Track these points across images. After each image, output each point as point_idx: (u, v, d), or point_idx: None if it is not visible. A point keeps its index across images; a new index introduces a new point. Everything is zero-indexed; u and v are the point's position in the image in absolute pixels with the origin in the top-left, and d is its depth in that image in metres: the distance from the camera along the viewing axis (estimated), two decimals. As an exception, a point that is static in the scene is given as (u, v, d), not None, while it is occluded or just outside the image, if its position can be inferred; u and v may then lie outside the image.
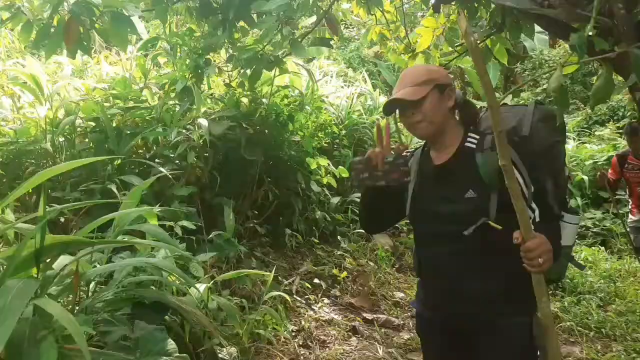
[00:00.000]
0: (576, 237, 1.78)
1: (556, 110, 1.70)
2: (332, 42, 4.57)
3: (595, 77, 5.57)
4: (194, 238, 3.38)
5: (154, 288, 2.55)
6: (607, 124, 7.44)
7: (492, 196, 1.54)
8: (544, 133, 1.64)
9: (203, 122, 3.82)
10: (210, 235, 3.47)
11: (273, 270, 3.37)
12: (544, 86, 9.26)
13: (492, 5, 3.47)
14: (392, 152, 1.59)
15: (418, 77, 1.62)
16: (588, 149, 6.75)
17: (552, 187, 1.60)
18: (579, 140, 7.30)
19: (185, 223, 3.14)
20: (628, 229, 4.43)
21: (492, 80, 9.67)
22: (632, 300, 4.15)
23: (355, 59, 10.55)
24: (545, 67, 9.36)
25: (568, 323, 3.84)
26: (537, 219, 1.57)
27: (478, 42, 4.59)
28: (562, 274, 1.76)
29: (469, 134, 1.67)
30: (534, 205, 1.58)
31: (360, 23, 8.44)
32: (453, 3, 3.98)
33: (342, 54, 10.25)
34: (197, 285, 2.76)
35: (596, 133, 7.30)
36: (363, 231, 5.04)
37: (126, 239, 2.54)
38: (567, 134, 7.83)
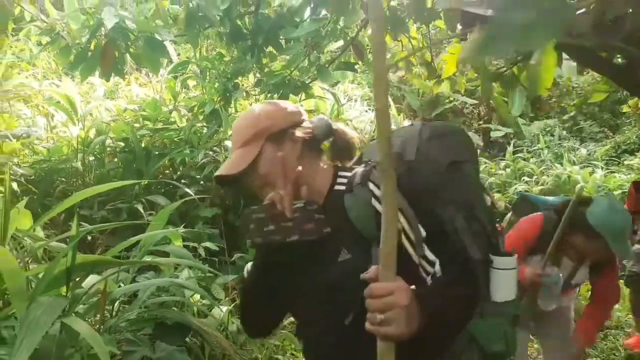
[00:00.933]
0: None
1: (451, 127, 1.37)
2: (356, 67, 4.64)
3: (624, 106, 5.43)
4: (216, 259, 3.42)
5: (175, 309, 2.58)
6: (636, 153, 7.29)
7: (374, 251, 1.09)
8: (436, 154, 1.22)
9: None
10: (233, 257, 3.50)
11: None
12: (571, 113, 9.17)
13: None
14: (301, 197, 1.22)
15: (245, 133, 1.25)
16: (617, 179, 6.59)
17: (462, 224, 1.14)
18: (608, 169, 7.17)
19: (208, 244, 3.17)
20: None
21: (518, 107, 9.58)
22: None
23: (380, 83, 10.62)
24: (574, 94, 9.27)
25: (595, 359, 3.73)
26: (439, 274, 1.11)
27: (503, 68, 4.61)
28: (508, 346, 1.18)
29: (339, 174, 1.30)
30: (430, 256, 1.13)
31: (388, 48, 8.55)
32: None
33: (366, 78, 10.33)
34: (220, 307, 2.79)
35: (625, 162, 7.16)
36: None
37: (151, 259, 2.59)
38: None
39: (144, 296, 2.24)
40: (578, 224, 2.20)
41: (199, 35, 3.74)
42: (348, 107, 6.58)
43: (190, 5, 3.65)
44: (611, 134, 8.58)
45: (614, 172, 7.07)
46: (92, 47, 3.15)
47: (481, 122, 10.50)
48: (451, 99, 9.70)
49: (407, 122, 7.27)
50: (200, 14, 3.65)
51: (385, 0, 4.02)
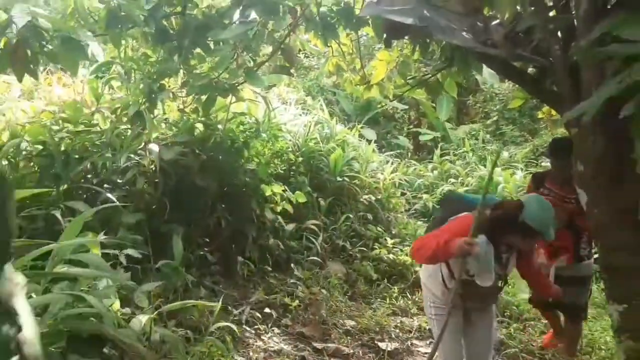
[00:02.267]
0: None
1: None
2: (292, 71, 4.66)
3: (539, 112, 5.75)
4: (139, 267, 3.31)
5: (94, 320, 2.47)
6: (553, 156, 7.78)
7: None
8: None
9: (154, 147, 3.78)
10: (158, 264, 3.40)
11: (221, 300, 3.32)
12: (494, 118, 9.64)
13: (444, 41, 3.61)
14: None
15: None
16: (535, 180, 6.99)
17: None
18: (527, 170, 7.61)
19: (130, 251, 3.07)
20: None
21: (445, 112, 9.91)
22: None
23: (314, 87, 10.69)
24: (496, 100, 9.76)
25: (513, 349, 3.94)
26: None
27: (429, 75, 4.77)
28: None
29: None
30: None
31: (320, 53, 8.61)
32: (406, 38, 4.13)
33: (301, 82, 10.38)
34: (140, 316, 2.70)
35: (542, 164, 7.63)
36: (317, 258, 5.05)
37: (66, 269, 2.48)
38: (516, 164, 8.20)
39: (54, 309, 2.12)
40: (518, 228, 2.43)
41: (121, 35, 3.62)
42: (282, 110, 6.58)
43: (112, 4, 3.53)
44: (530, 137, 9.11)
45: (532, 173, 7.50)
46: (1, 45, 2.97)
47: (411, 127, 10.80)
48: (383, 104, 9.94)
49: (340, 127, 7.37)
50: (122, 13, 3.53)
51: (315, 7, 4.07)
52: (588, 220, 2.22)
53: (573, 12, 2.21)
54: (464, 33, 2.50)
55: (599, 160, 2.04)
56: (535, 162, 8.22)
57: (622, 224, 1.99)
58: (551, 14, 2.46)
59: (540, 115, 5.11)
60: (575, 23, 2.10)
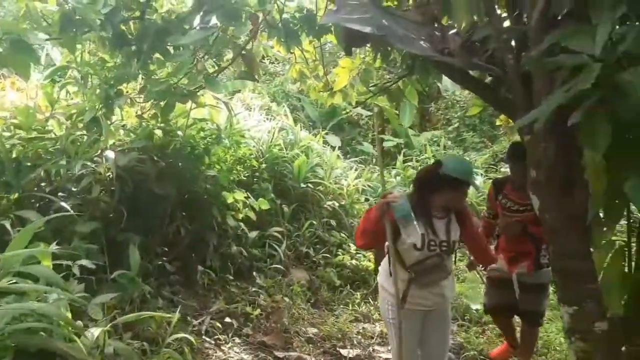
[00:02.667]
0: None
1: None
2: (256, 76, 4.62)
3: (498, 119, 5.87)
4: (94, 278, 3.20)
5: (43, 334, 2.37)
6: (510, 162, 8.00)
7: None
8: None
9: (110, 154, 3.68)
10: (113, 275, 3.30)
11: (178, 310, 3.25)
12: (455, 125, 9.83)
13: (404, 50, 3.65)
14: None
15: None
16: (495, 185, 7.16)
17: None
18: (487, 176, 7.79)
19: (84, 262, 2.96)
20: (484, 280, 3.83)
21: (408, 119, 10.04)
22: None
23: (279, 93, 10.67)
24: (457, 107, 9.96)
25: (472, 352, 4.00)
26: None
27: (391, 83, 4.82)
28: None
29: None
30: None
31: (285, 59, 8.60)
32: (368, 46, 4.17)
33: (266, 88, 10.34)
34: (93, 329, 2.61)
35: (502, 169, 7.82)
36: (280, 266, 5.01)
37: (14, 282, 2.38)
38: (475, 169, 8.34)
39: (1, 323, 2.03)
40: (441, 182, 2.57)
41: (76, 39, 3.52)
42: (247, 115, 6.53)
43: (66, 7, 3.43)
44: (490, 144, 9.33)
45: (492, 178, 7.68)
46: (-55, 47, 2.84)
47: (375, 133, 10.92)
48: (347, 110, 10.00)
49: (304, 133, 7.36)
50: (77, 17, 3.44)
51: (278, 13, 4.07)
52: (542, 225, 2.27)
53: (526, 23, 2.27)
54: (421, 42, 2.53)
55: (550, 166, 2.09)
56: (494, 167, 8.43)
57: (572, 229, 2.04)
58: (506, 24, 2.52)
59: (498, 123, 5.23)
60: (528, 34, 2.16)
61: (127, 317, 2.85)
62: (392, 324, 2.73)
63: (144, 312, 3.03)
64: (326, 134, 8.54)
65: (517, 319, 3.72)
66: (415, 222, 2.52)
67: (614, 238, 2.28)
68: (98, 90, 3.85)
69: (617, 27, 1.66)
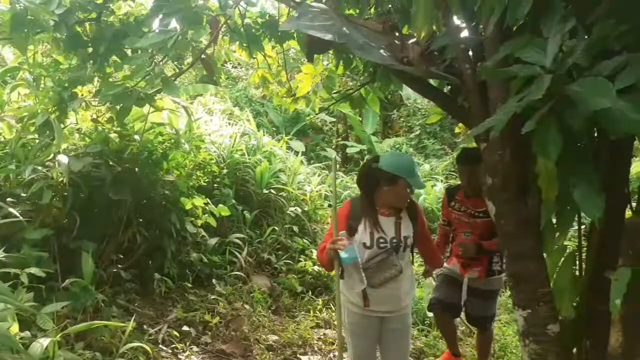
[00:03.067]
0: None
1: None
2: (220, 80, 4.56)
3: (457, 127, 5.99)
4: (44, 287, 3.07)
5: (-13, 346, 2.25)
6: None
7: None
8: None
9: (63, 158, 3.55)
10: (65, 283, 3.18)
11: (132, 319, 3.16)
12: (417, 132, 10.01)
13: (365, 58, 3.68)
14: None
15: None
16: (455, 192, 7.29)
17: None
18: (447, 182, 7.95)
19: (33, 270, 2.84)
20: (436, 278, 3.87)
21: (371, 126, 10.17)
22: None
23: (242, 98, 10.60)
24: (418, 115, 10.14)
25: (431, 357, 4.04)
26: None
27: (353, 90, 4.86)
28: None
29: None
30: None
31: (249, 63, 8.54)
32: (330, 52, 4.19)
33: (229, 92, 10.26)
34: (42, 339, 2.50)
35: (462, 177, 8.01)
36: (241, 273, 4.95)
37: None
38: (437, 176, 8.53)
39: (-62, 336, 1.92)
40: (377, 178, 2.58)
41: (28, 40, 3.39)
42: (208, 120, 6.44)
43: (18, 7, 3.31)
44: (450, 150, 9.54)
45: (452, 185, 7.84)
46: None
47: (339, 139, 10.98)
48: (311, 116, 10.04)
49: (267, 138, 7.32)
50: (29, 17, 3.31)
51: (240, 18, 4.04)
52: (497, 230, 2.31)
53: (482, 34, 2.32)
54: (381, 51, 2.56)
55: (506, 173, 2.14)
56: (454, 174, 8.61)
57: (525, 234, 2.09)
58: (464, 34, 2.57)
59: (457, 130, 5.34)
60: (484, 44, 2.21)
61: (79, 326, 2.75)
62: (348, 328, 2.73)
63: (96, 321, 2.93)
64: (290, 139, 8.53)
65: (461, 327, 3.76)
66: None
67: (565, 243, 2.36)
68: (51, 93, 3.72)
69: (568, 39, 1.72)
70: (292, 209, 6.09)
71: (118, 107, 3.54)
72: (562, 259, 2.23)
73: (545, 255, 2.16)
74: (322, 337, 4.29)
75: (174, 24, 3.42)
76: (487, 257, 3.35)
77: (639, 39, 1.65)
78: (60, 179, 3.69)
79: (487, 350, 3.75)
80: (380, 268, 2.57)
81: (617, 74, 1.55)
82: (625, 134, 1.81)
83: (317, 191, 6.71)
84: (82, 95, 3.88)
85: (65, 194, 3.68)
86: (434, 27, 2.64)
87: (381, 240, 2.59)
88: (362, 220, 2.61)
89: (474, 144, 2.70)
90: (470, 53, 2.37)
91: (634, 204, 2.19)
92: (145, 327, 3.75)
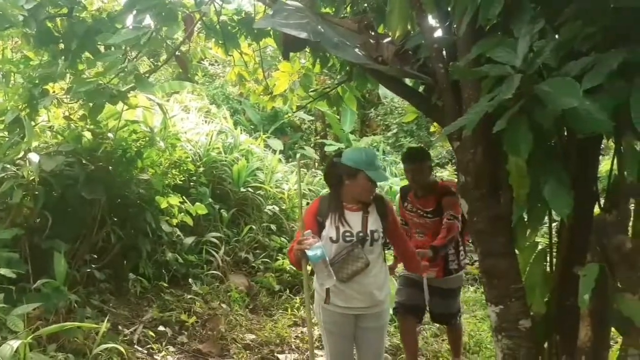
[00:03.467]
0: None
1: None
2: (196, 78, 4.52)
3: (432, 126, 6.04)
4: (14, 288, 3.01)
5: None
6: (446, 166, 8.30)
7: None
8: None
9: (34, 157, 3.48)
10: (36, 284, 3.12)
11: (107, 320, 3.12)
12: (394, 131, 10.08)
13: (341, 56, 3.68)
14: None
15: None
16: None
17: None
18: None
19: (3, 271, 2.78)
20: (397, 280, 3.83)
21: (349, 125, 10.19)
22: (463, 329, 4.52)
23: (219, 95, 10.51)
24: (395, 114, 10.21)
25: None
26: None
27: (330, 89, 4.86)
28: None
29: None
30: None
31: (226, 61, 8.47)
32: (307, 50, 4.18)
33: (206, 90, 10.16)
34: (13, 341, 2.45)
35: (437, 174, 8.09)
36: (218, 272, 4.92)
37: None
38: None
39: None
40: (339, 173, 2.62)
41: (-4, 35, 3.31)
42: (185, 117, 6.37)
43: (-15, 1, 3.22)
44: (427, 149, 9.62)
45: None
46: None
47: (317, 137, 10.99)
48: (289, 114, 10.01)
49: (245, 136, 7.29)
50: (-3, 12, 3.23)
51: (215, 15, 4.00)
52: (469, 228, 2.34)
53: (455, 34, 2.34)
54: (356, 50, 2.56)
55: (478, 171, 2.17)
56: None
57: (497, 231, 2.12)
58: (437, 34, 2.59)
59: (432, 129, 5.40)
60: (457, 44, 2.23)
61: (51, 328, 2.71)
62: (324, 326, 2.74)
63: (69, 323, 2.88)
64: (268, 137, 8.50)
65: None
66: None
67: (537, 239, 2.41)
68: (21, 90, 3.64)
69: (537, 40, 1.75)
70: (270, 207, 6.08)
71: (91, 104, 3.49)
72: (534, 255, 2.28)
73: (517, 252, 2.20)
74: (299, 335, 4.29)
75: (148, 20, 3.38)
76: (443, 256, 3.34)
77: (606, 40, 1.68)
78: (32, 178, 3.61)
79: (458, 344, 3.78)
80: (346, 261, 2.58)
81: (584, 75, 1.59)
82: (592, 133, 1.86)
83: (295, 189, 6.70)
84: (54, 92, 3.80)
85: (37, 193, 3.61)
86: (409, 27, 2.66)
87: (347, 234, 2.61)
88: (329, 216, 2.65)
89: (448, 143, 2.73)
90: (444, 53, 2.40)
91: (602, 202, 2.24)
92: (120, 327, 3.71)
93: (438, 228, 3.29)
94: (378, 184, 2.78)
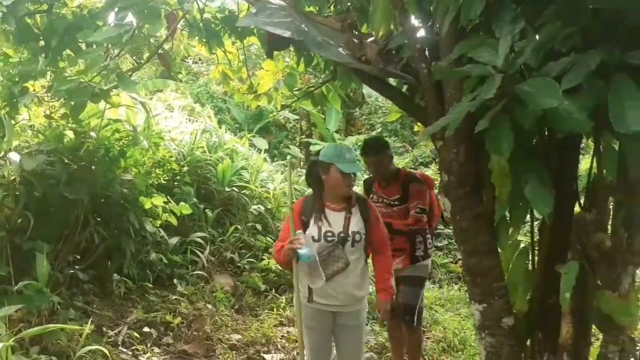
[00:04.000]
0: None
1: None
2: (180, 76, 4.48)
3: (416, 125, 6.07)
4: (-5, 290, 2.97)
5: None
6: (430, 165, 8.34)
7: None
8: None
9: (14, 156, 3.42)
10: (18, 286, 3.08)
11: (90, 321, 3.09)
12: (378, 130, 10.11)
13: (326, 55, 3.68)
14: None
15: None
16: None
17: None
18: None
19: (-18, 273, 2.74)
20: None
21: (334, 124, 10.17)
22: (446, 326, 4.56)
23: (203, 94, 10.44)
24: (379, 113, 10.24)
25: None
26: None
27: (314, 88, 4.86)
28: None
29: None
30: None
31: (210, 59, 8.40)
32: (291, 49, 4.17)
33: (190, 88, 10.08)
34: (-7, 345, 2.41)
35: (416, 171, 8.12)
36: (203, 272, 4.89)
37: None
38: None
39: None
40: (316, 170, 2.69)
41: (-26, 32, 3.25)
42: (168, 116, 6.31)
43: (-37, -4, 3.16)
44: (411, 148, 9.66)
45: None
46: None
47: (303, 136, 10.97)
48: (274, 113, 9.98)
49: (229, 135, 7.24)
50: (-25, 8, 3.17)
51: (199, 13, 3.97)
52: (452, 226, 2.35)
53: (438, 33, 2.36)
54: (339, 49, 2.57)
55: (461, 171, 2.18)
56: (414, 171, 8.73)
57: (480, 229, 2.14)
58: (420, 34, 2.60)
59: (416, 129, 5.43)
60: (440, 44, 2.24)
61: (33, 330, 2.68)
62: (304, 323, 2.75)
63: (51, 325, 2.84)
64: (253, 136, 8.46)
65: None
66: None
67: (519, 238, 2.43)
68: (1, 88, 3.58)
69: (518, 40, 1.77)
70: (255, 207, 6.06)
71: (72, 103, 3.44)
72: (516, 254, 2.30)
73: (499, 250, 2.22)
74: (285, 335, 4.28)
75: (130, 17, 3.35)
76: (409, 244, 3.33)
77: (585, 40, 1.71)
78: (12, 178, 3.56)
79: (415, 354, 3.54)
80: (327, 261, 2.61)
81: (564, 75, 1.61)
82: (571, 133, 1.88)
83: (280, 189, 6.68)
84: (34, 90, 3.75)
85: (18, 193, 3.55)
86: (392, 27, 2.67)
87: (329, 234, 2.64)
88: (312, 215, 2.69)
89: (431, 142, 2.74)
90: (427, 52, 2.41)
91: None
92: (104, 329, 3.67)
93: (405, 216, 3.28)
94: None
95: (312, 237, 2.61)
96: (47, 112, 4.03)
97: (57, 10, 3.52)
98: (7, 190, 3.59)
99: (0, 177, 3.53)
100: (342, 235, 2.64)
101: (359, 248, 2.70)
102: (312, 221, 2.67)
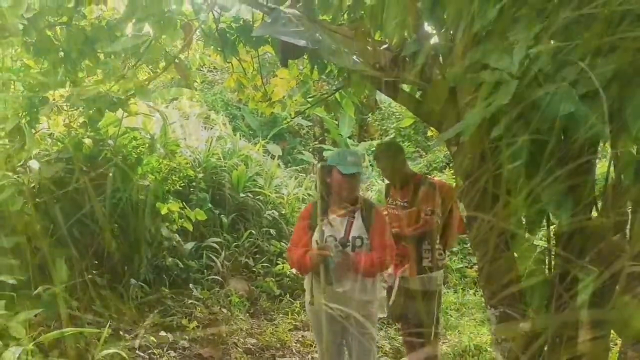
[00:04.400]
0: None
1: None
2: (195, 84, 4.55)
3: (430, 130, 6.07)
4: (16, 295, 3.02)
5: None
6: (444, 170, 8.31)
7: None
8: None
9: (34, 164, 3.50)
10: (37, 290, 3.13)
11: (108, 325, 3.13)
12: (392, 135, 10.09)
13: (340, 63, 3.71)
14: None
15: None
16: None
17: None
18: (422, 185, 8.03)
19: (4, 278, 2.80)
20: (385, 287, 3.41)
21: (347, 129, 10.21)
22: (461, 331, 4.54)
23: (218, 102, 10.53)
24: (393, 118, 10.23)
25: (406, 357, 4.08)
26: None
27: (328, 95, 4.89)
28: None
29: None
30: None
31: (224, 67, 8.49)
32: (305, 57, 4.21)
33: (205, 96, 10.18)
34: (14, 348, 2.46)
35: (435, 178, 8.08)
36: (218, 277, 4.93)
37: None
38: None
39: None
40: (323, 175, 2.76)
41: (-4, 44, 3.34)
42: (184, 124, 6.40)
43: (-15, 10, 3.24)
44: (424, 153, 9.62)
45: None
46: None
47: (316, 142, 11.00)
48: (287, 120, 10.03)
49: (243, 142, 7.30)
50: (-3, 21, 3.26)
51: (214, 23, 4.03)
52: (467, 232, 2.36)
53: (451, 40, 2.37)
54: (354, 56, 2.59)
55: (477, 176, 2.19)
56: (428, 176, 8.70)
57: (495, 234, 2.14)
58: (434, 40, 2.62)
59: (430, 134, 5.42)
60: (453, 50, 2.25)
61: (52, 334, 2.72)
62: (312, 326, 2.78)
63: (70, 329, 2.89)
64: (267, 143, 8.52)
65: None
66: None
67: (535, 243, 2.42)
68: (21, 97, 3.66)
69: (534, 45, 1.77)
70: (269, 212, 6.10)
71: (91, 111, 3.51)
72: (532, 259, 2.29)
73: (515, 255, 2.22)
74: (300, 339, 4.30)
75: (147, 28, 3.41)
76: (416, 251, 3.17)
77: (601, 45, 1.70)
78: (32, 185, 3.63)
79: None
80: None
81: (580, 80, 1.61)
82: (588, 138, 1.87)
83: (294, 194, 6.72)
84: (54, 99, 3.83)
85: (38, 200, 3.62)
86: (405, 34, 2.69)
87: (330, 239, 2.68)
88: (318, 220, 2.72)
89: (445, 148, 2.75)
90: (440, 59, 2.42)
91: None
92: (121, 333, 3.72)
93: (415, 220, 3.18)
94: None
95: (316, 242, 2.65)
96: (66, 120, 4.11)
97: (77, 22, 3.59)
98: (27, 197, 3.65)
99: (20, 184, 3.59)
100: (342, 240, 2.68)
101: (362, 253, 2.72)
102: (317, 226, 2.71)
